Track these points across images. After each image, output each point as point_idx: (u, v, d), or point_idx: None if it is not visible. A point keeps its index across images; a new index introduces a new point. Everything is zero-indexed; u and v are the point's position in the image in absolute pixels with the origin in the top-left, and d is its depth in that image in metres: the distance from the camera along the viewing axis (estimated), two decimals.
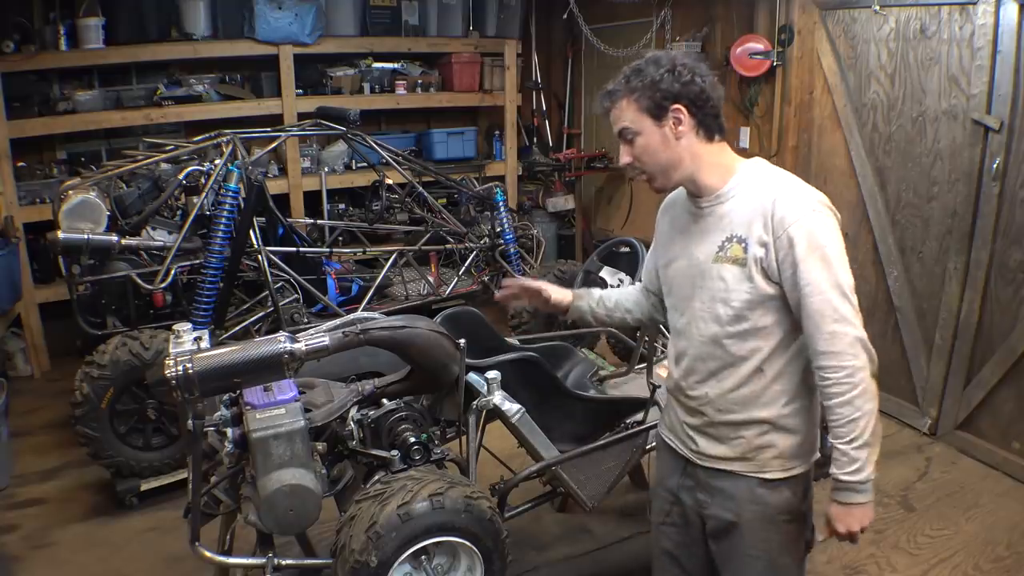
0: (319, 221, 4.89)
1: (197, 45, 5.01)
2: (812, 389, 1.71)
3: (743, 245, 1.62)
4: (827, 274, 1.55)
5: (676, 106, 1.62)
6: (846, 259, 1.59)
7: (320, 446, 2.06)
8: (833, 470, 1.62)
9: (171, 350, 1.88)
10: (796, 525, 1.79)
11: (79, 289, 3.57)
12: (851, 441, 1.57)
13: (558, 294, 2.09)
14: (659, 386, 2.49)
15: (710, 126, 1.66)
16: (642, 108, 1.63)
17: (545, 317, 4.22)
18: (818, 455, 1.80)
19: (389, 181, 4.84)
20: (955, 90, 3.59)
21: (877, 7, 3.88)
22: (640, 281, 2.07)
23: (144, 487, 3.29)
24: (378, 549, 1.84)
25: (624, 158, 1.71)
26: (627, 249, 3.26)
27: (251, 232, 3.77)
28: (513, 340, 2.89)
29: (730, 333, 1.67)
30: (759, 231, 1.60)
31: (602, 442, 2.41)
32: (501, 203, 4.85)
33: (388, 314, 2.43)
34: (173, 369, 1.79)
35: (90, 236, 3.38)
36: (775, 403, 1.69)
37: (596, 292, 2.11)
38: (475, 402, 2.26)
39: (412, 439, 2.16)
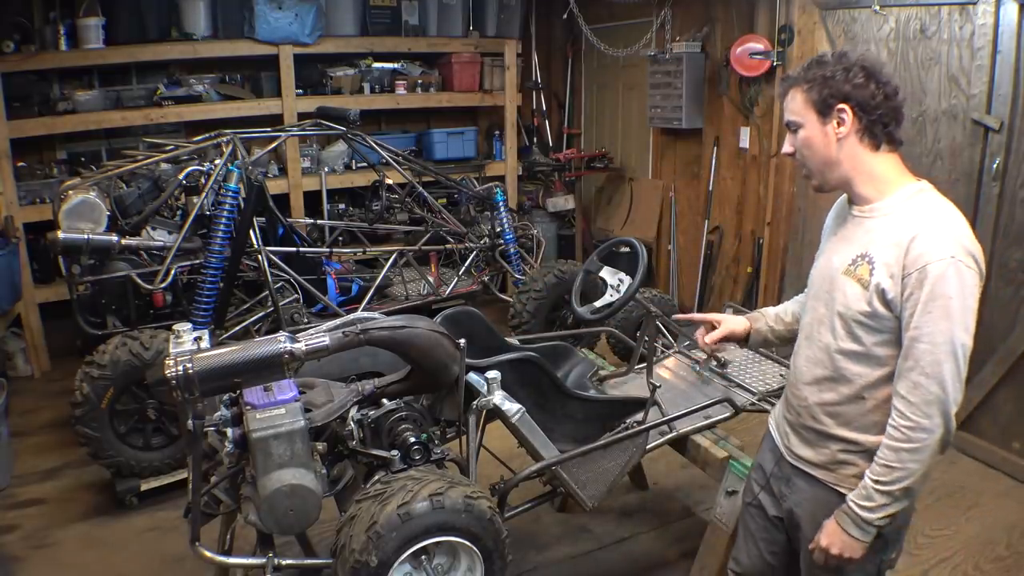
0: (319, 221, 4.90)
1: (197, 45, 5.01)
2: None
3: (871, 267, 1.59)
4: (943, 326, 1.49)
5: (842, 106, 1.59)
6: (971, 318, 1.51)
7: (320, 446, 2.06)
8: (850, 494, 1.63)
9: (171, 350, 1.88)
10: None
11: (79, 289, 3.58)
12: (878, 482, 1.57)
13: (734, 323, 2.03)
14: (659, 386, 2.49)
15: (876, 134, 1.61)
16: (810, 101, 1.62)
17: (545, 317, 4.22)
18: None
19: (389, 181, 4.84)
20: (955, 90, 3.59)
21: (877, 7, 3.88)
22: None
23: (144, 487, 3.29)
24: (378, 549, 1.84)
25: (786, 147, 1.72)
26: (627, 249, 3.24)
27: (251, 232, 3.77)
28: (513, 340, 2.89)
29: (842, 349, 1.66)
30: (890, 260, 1.56)
31: (602, 442, 2.41)
32: (501, 203, 4.86)
33: (388, 314, 2.43)
34: (173, 369, 1.78)
35: (90, 236, 3.38)
36: (868, 430, 1.67)
37: (770, 311, 2.05)
38: (475, 402, 2.26)
39: (412, 439, 2.15)
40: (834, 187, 1.70)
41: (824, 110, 1.61)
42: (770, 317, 2.04)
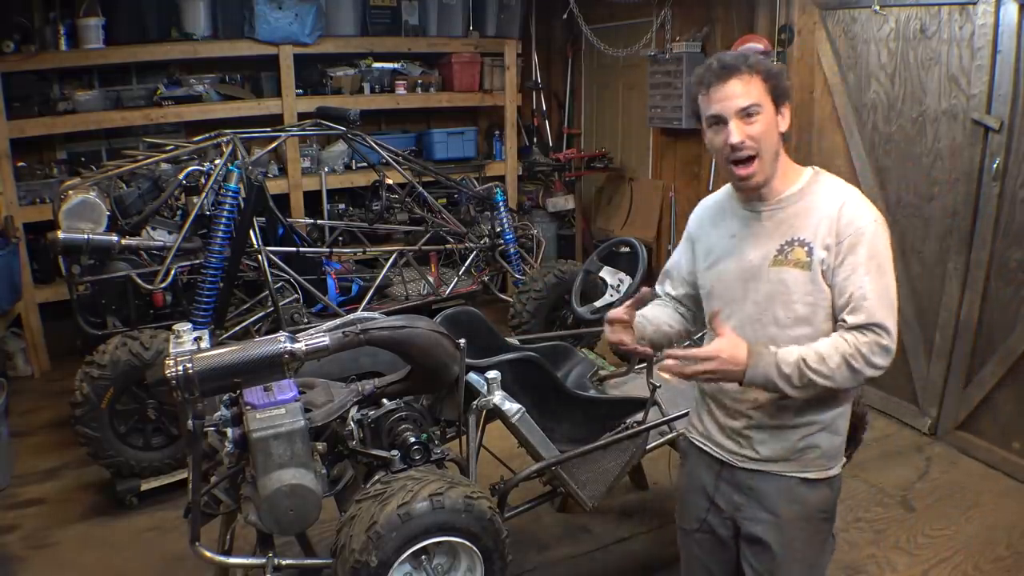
0: (319, 221, 4.89)
1: (197, 45, 5.01)
2: (851, 392, 1.76)
3: (807, 248, 1.64)
4: (880, 283, 1.59)
5: (786, 102, 1.66)
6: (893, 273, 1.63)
7: (320, 446, 2.06)
8: (783, 352, 1.58)
9: (171, 350, 1.88)
10: (830, 523, 1.81)
11: (79, 289, 3.57)
12: (805, 361, 1.55)
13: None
14: (659, 386, 2.49)
15: (785, 132, 1.70)
16: (768, 90, 1.63)
17: (546, 317, 4.23)
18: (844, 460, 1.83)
19: (389, 181, 4.84)
20: (955, 90, 3.59)
21: (877, 7, 3.88)
22: (661, 295, 2.00)
23: (144, 487, 3.29)
24: (378, 549, 1.84)
25: (737, 137, 1.62)
26: (627, 249, 3.25)
27: (251, 232, 3.77)
28: (513, 340, 2.89)
29: (791, 337, 1.66)
30: (824, 234, 1.62)
31: (602, 442, 2.41)
32: (501, 203, 4.86)
33: (388, 314, 2.43)
34: (173, 369, 1.78)
35: (90, 236, 3.38)
36: (823, 406, 1.71)
37: (643, 312, 1.90)
38: (475, 402, 2.26)
39: (412, 439, 2.16)
40: (769, 177, 1.67)
41: (779, 102, 1.65)
42: (646, 318, 1.90)
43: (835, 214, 1.61)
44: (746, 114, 1.61)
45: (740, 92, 1.61)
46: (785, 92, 1.65)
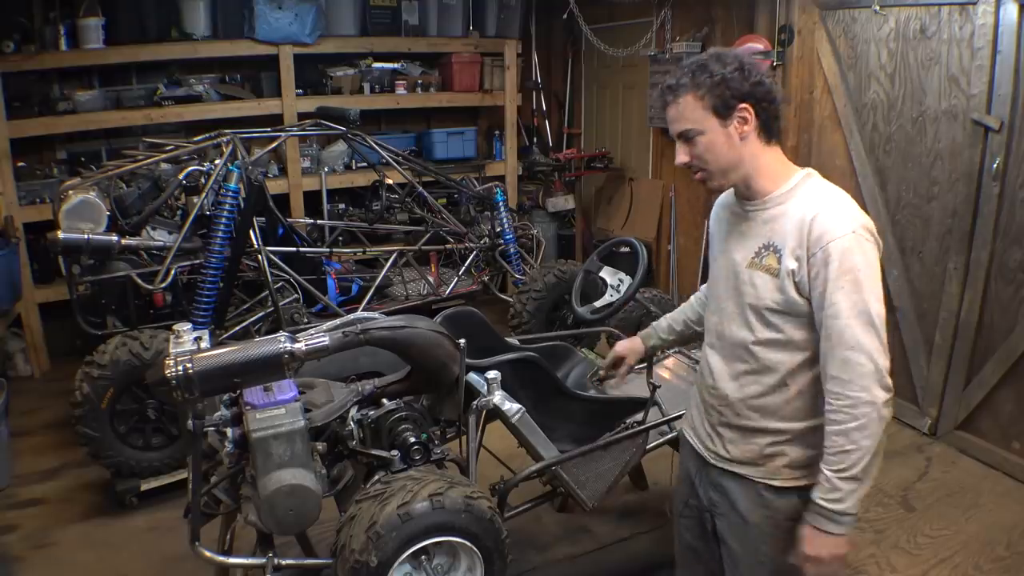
0: (319, 221, 4.89)
1: (197, 45, 5.02)
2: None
3: (778, 255, 1.61)
4: (855, 299, 1.51)
5: (743, 105, 1.59)
6: (879, 288, 1.55)
7: (320, 446, 2.06)
8: (814, 492, 1.59)
9: (171, 350, 1.88)
10: None
11: (79, 289, 3.58)
12: (839, 471, 1.54)
13: (634, 353, 2.29)
14: (659, 386, 2.50)
15: (771, 128, 1.65)
16: (708, 106, 1.59)
17: (546, 317, 4.22)
18: None
19: (389, 181, 4.84)
20: (955, 90, 3.59)
21: (877, 7, 3.88)
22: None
23: (144, 487, 3.29)
24: (378, 549, 1.84)
25: (681, 158, 1.66)
26: (627, 249, 3.25)
27: (251, 232, 3.77)
28: (513, 340, 2.89)
29: (759, 340, 1.67)
30: (794, 244, 1.59)
31: (602, 442, 2.41)
32: (501, 203, 4.86)
33: (388, 314, 2.43)
34: (173, 369, 1.78)
35: (90, 236, 3.38)
36: (794, 417, 1.69)
37: (663, 323, 2.23)
38: (475, 402, 2.26)
39: (412, 439, 2.15)
40: (732, 185, 1.71)
41: (725, 112, 1.60)
42: (662, 330, 2.23)
43: (807, 225, 1.57)
44: (686, 138, 1.64)
45: (675, 117, 1.64)
46: (734, 97, 1.58)
